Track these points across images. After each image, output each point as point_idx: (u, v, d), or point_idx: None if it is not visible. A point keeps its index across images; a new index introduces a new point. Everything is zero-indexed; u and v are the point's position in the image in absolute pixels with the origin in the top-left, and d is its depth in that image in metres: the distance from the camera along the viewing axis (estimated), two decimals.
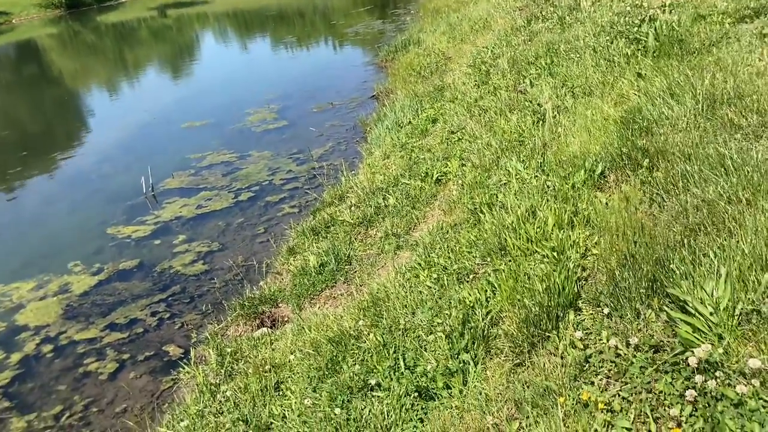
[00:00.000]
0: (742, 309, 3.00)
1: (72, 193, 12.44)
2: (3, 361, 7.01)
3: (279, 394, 4.91)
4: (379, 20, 28.24)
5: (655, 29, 7.32)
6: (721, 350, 2.85)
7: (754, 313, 2.95)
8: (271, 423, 4.59)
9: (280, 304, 6.64)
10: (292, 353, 5.32)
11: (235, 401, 5.02)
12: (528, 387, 3.39)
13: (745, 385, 2.65)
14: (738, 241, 3.33)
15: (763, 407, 2.56)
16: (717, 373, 2.76)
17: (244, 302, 6.72)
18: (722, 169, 4.03)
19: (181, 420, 5.05)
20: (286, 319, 6.37)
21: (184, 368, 6.01)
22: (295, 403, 4.58)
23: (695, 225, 3.66)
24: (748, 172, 3.86)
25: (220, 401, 5.11)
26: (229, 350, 5.79)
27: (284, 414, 4.57)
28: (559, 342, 3.62)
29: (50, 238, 10.15)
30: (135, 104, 20.30)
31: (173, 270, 8.45)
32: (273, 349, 5.60)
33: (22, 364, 6.96)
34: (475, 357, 4.06)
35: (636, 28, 7.74)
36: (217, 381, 5.44)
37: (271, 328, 6.30)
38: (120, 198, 11.28)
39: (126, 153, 14.33)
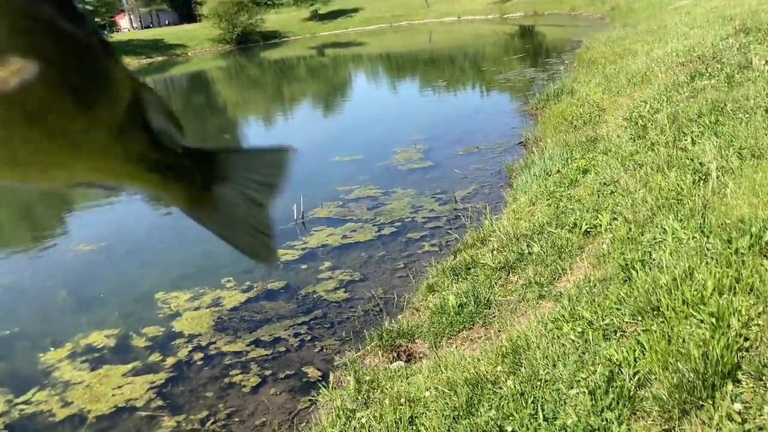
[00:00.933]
0: None
1: None
2: (159, 363, 7.62)
3: (413, 428, 4.99)
4: (531, 68, 28.22)
5: None
6: None
7: None
8: None
9: (417, 340, 6.76)
10: (427, 389, 5.39)
11: (369, 429, 5.15)
12: None
13: None
14: None
15: None
16: None
17: (382, 334, 6.89)
18: None
19: None
20: (421, 355, 6.47)
21: (322, 391, 6.25)
22: None
23: None
24: None
25: (355, 427, 5.26)
26: (366, 378, 5.96)
27: None
28: (714, 412, 3.45)
29: (207, 254, 10.93)
30: (289, 135, 21.55)
31: (316, 295, 8.83)
32: (408, 383, 5.70)
33: (175, 367, 7.52)
34: (620, 417, 3.94)
35: None
36: (354, 407, 5.61)
37: (406, 362, 6.42)
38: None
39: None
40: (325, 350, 7.37)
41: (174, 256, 11.30)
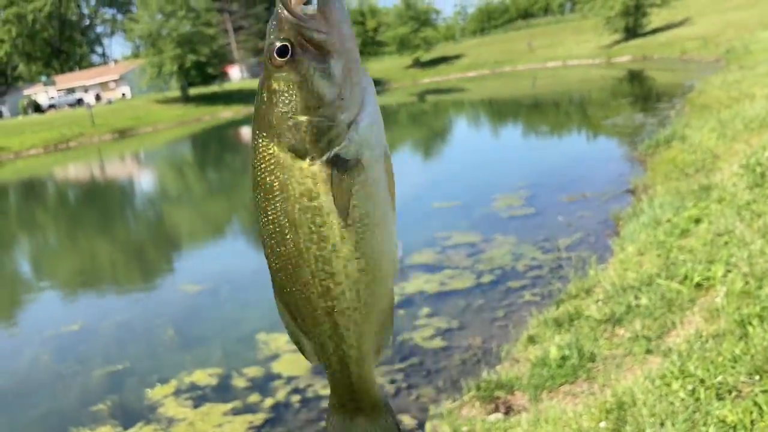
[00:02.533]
0: None
1: None
2: (259, 404, 7.77)
3: None
4: (640, 113, 27.37)
5: None
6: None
7: None
8: None
9: (516, 392, 6.55)
10: None
11: None
12: None
13: None
14: None
15: None
16: None
17: (479, 384, 6.74)
18: None
19: None
20: (521, 408, 6.26)
21: None
22: None
23: None
24: None
25: None
26: (464, 430, 5.83)
27: None
28: None
29: None
30: None
31: (413, 342, 8.78)
32: None
33: (273, 409, 7.64)
34: None
35: None
36: None
37: (505, 414, 6.23)
38: None
39: None
40: (420, 399, 7.28)
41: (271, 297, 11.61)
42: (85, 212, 27.92)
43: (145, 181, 36.83)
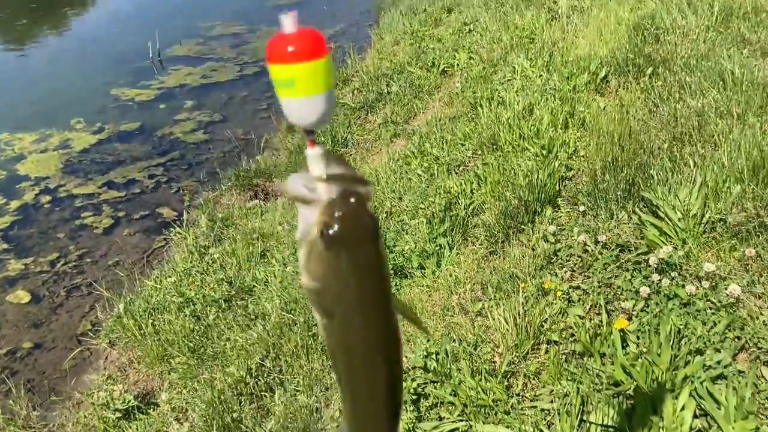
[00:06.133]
0: (710, 217, 3.08)
1: (79, 50, 12.34)
2: (2, 207, 7.20)
3: (264, 261, 5.10)
4: None
5: None
6: (681, 253, 2.95)
7: (720, 222, 3.04)
8: (254, 286, 4.79)
9: (275, 179, 6.76)
10: (280, 224, 5.48)
11: (221, 264, 5.22)
12: (496, 273, 3.53)
13: (697, 288, 2.77)
14: (720, 154, 3.37)
15: (710, 309, 2.70)
16: (673, 274, 2.88)
17: (239, 173, 6.82)
18: (720, 82, 4.00)
19: (169, 276, 5.27)
20: (278, 193, 6.50)
21: (175, 229, 6.19)
22: (278, 269, 4.77)
23: (682, 134, 3.69)
24: (745, 87, 3.83)
25: (208, 262, 5.31)
26: (220, 216, 5.96)
27: (266, 279, 4.77)
28: (533, 235, 3.73)
29: (55, 93, 10.15)
30: None
31: (174, 136, 8.50)
32: (263, 220, 5.76)
33: (21, 211, 7.15)
34: (452, 242, 4.19)
35: None
36: (207, 244, 5.63)
37: (263, 200, 6.44)
38: (126, 60, 11.19)
39: (138, 15, 14.07)
40: (181, 191, 7.22)
41: (16, 95, 10.40)
42: None
43: None
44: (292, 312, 4.20)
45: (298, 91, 0.78)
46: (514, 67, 6.18)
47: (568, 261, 3.35)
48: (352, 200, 0.79)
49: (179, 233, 6.06)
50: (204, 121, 8.86)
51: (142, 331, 4.76)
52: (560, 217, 3.81)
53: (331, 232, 0.78)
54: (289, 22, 0.71)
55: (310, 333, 3.96)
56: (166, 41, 11.56)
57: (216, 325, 4.56)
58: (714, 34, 4.86)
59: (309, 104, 0.76)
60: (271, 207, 6.05)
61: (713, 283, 2.77)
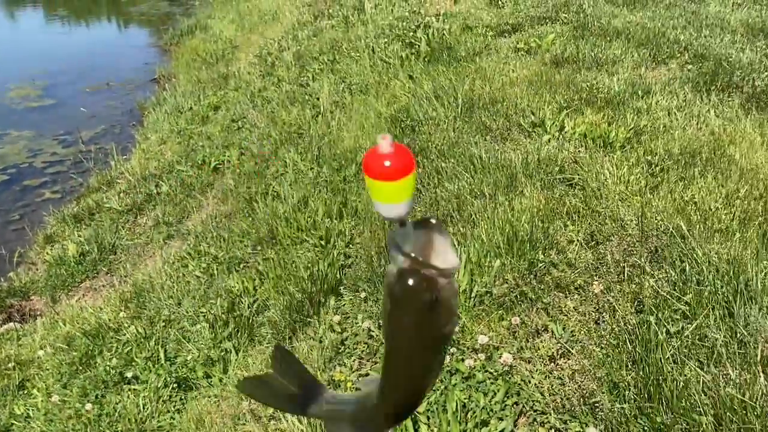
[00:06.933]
0: (477, 291, 3.31)
1: None
2: None
3: (23, 393, 4.48)
4: (167, 1, 26.89)
5: (428, 36, 7.80)
6: (457, 328, 3.11)
7: (487, 294, 3.27)
8: (12, 424, 4.18)
9: (32, 297, 6.07)
10: (41, 348, 4.89)
11: None
12: None
13: (474, 360, 2.93)
14: (479, 231, 3.66)
15: (488, 379, 2.85)
16: (452, 350, 3.02)
17: None
18: (471, 166, 4.41)
19: None
20: (38, 312, 5.84)
21: None
22: (42, 401, 4.22)
23: (445, 216, 3.97)
24: (491, 169, 4.26)
25: None
26: None
27: (28, 413, 4.18)
28: (319, 327, 3.72)
29: None
30: None
31: None
32: (20, 345, 5.11)
33: None
34: (238, 345, 4.03)
35: (412, 33, 8.19)
36: None
37: (20, 322, 5.74)
38: None
39: None
40: None
41: None
42: None
43: None
44: None
45: (397, 200, 0.82)
46: (285, 162, 6.30)
47: (356, 349, 3.38)
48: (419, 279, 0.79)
49: None
50: None
51: None
52: (344, 305, 3.85)
53: (395, 290, 0.78)
54: (386, 143, 0.75)
55: None
56: None
57: None
58: (461, 123, 5.38)
59: (405, 206, 0.79)
60: (29, 329, 5.40)
61: (488, 354, 2.94)
